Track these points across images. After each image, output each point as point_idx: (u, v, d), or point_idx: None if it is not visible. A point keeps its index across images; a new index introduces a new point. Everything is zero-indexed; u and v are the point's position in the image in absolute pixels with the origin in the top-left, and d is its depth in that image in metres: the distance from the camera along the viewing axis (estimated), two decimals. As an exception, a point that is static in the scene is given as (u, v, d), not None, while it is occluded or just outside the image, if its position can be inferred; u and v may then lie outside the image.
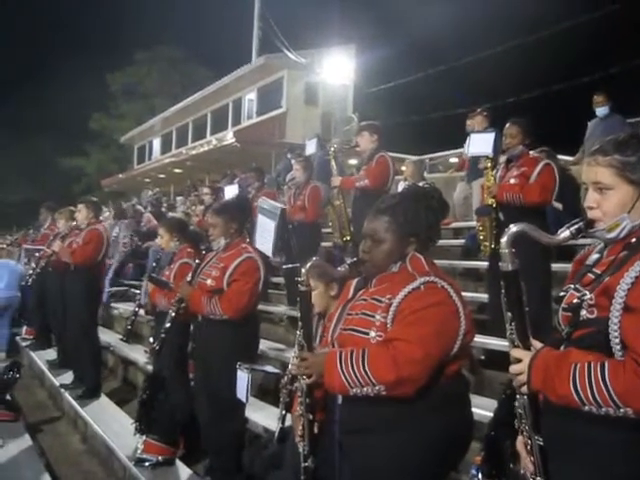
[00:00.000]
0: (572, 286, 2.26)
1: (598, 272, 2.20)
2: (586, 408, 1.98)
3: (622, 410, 1.91)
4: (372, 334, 2.68)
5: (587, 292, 2.13)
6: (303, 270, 3.00)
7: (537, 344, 2.20)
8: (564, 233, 2.20)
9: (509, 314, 2.19)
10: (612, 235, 2.18)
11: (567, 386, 1.99)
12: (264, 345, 6.35)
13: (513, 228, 2.18)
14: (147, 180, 31.95)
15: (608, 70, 18.77)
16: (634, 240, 2.14)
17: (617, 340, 1.98)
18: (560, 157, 9.19)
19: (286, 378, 3.50)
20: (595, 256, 2.31)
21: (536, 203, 5.52)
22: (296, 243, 7.23)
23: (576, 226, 2.20)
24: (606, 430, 2.01)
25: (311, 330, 3.07)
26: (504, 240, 2.18)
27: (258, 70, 24.07)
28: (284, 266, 8.43)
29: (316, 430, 3.04)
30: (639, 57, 18.43)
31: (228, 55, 30.63)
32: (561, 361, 2.05)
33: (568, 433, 2.12)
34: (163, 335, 5.15)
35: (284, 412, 3.56)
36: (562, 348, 2.16)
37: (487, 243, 5.84)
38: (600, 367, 1.95)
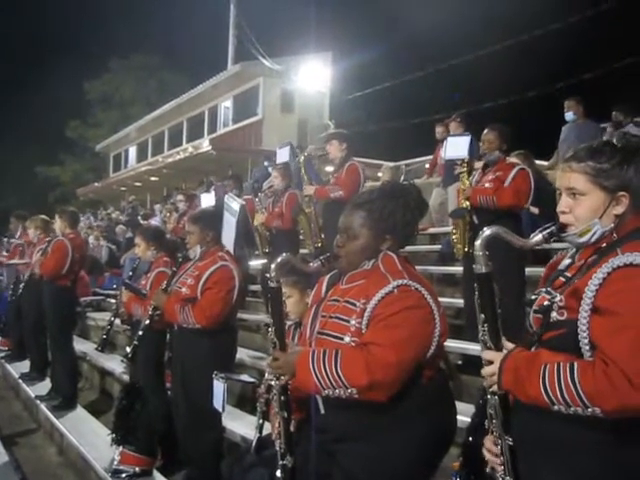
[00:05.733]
0: (543, 289, 2.29)
1: (569, 275, 2.24)
2: (555, 408, 2.00)
3: (590, 410, 1.93)
4: (347, 339, 2.67)
5: (557, 294, 2.17)
6: (273, 266, 2.92)
7: (509, 345, 2.22)
8: (537, 237, 2.24)
9: (482, 316, 2.21)
10: (583, 240, 2.22)
11: (537, 386, 2.02)
12: (242, 353, 6.33)
13: (487, 231, 2.20)
14: (123, 188, 31.86)
15: (582, 76, 18.95)
16: (604, 245, 2.19)
17: (586, 341, 2.02)
18: (536, 162, 9.24)
19: (262, 387, 3.48)
20: (567, 261, 2.35)
21: (509, 206, 5.56)
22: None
23: (548, 230, 2.24)
24: (578, 430, 2.04)
25: (283, 328, 3.02)
26: (478, 243, 2.19)
27: (234, 78, 24.10)
28: (252, 263, 8.54)
29: (292, 428, 3.02)
30: (613, 63, 18.68)
31: (204, 63, 30.63)
32: (531, 362, 2.08)
33: (540, 432, 2.15)
34: (136, 343, 5.13)
35: (261, 421, 3.53)
36: (533, 349, 2.19)
37: (460, 246, 5.87)
38: (569, 367, 1.97)
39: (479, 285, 2.21)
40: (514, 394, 2.13)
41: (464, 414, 3.20)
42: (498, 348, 2.19)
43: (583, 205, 2.21)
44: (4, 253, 11.24)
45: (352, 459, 2.72)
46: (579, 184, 2.21)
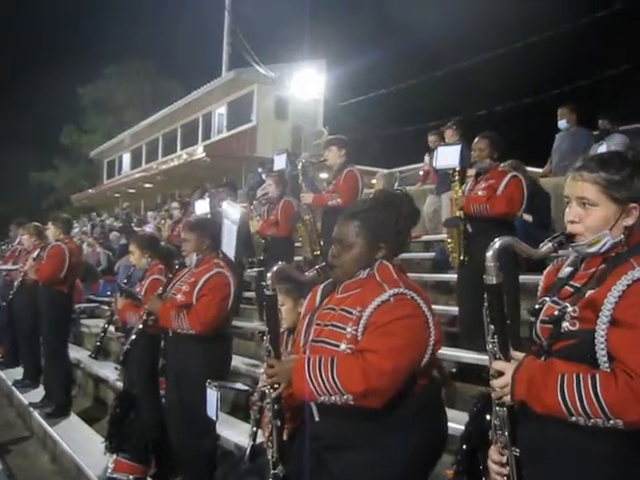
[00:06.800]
0: (548, 299, 2.28)
1: (577, 285, 2.23)
2: (573, 419, 2.00)
3: (612, 421, 1.93)
4: (342, 347, 2.67)
5: (568, 305, 2.15)
6: (269, 274, 2.94)
7: (517, 355, 2.22)
8: (546, 246, 2.23)
9: (492, 327, 2.19)
10: (593, 250, 2.22)
11: (554, 397, 2.01)
12: (236, 361, 6.32)
13: (499, 242, 2.19)
14: (117, 195, 31.89)
15: (578, 83, 18.99)
16: (613, 255, 2.18)
17: (604, 352, 2.02)
18: (530, 169, 9.26)
19: (256, 395, 3.48)
20: (568, 269, 2.34)
21: (503, 214, 5.58)
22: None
23: (557, 239, 2.23)
24: (590, 439, 2.03)
25: (278, 335, 3.04)
26: (489, 254, 2.17)
27: (228, 84, 24.10)
28: (249, 269, 8.55)
29: (285, 437, 3.02)
30: (609, 70, 18.75)
31: (198, 69, 30.69)
32: (546, 372, 2.07)
33: (548, 442, 2.14)
34: (128, 347, 5.13)
35: (255, 429, 3.53)
36: (542, 359, 2.18)
37: (455, 255, 5.87)
38: (591, 379, 1.97)
39: (489, 296, 2.19)
40: (529, 404, 2.11)
41: (458, 422, 3.21)
42: (507, 359, 2.18)
43: (594, 216, 2.20)
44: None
45: (343, 467, 2.72)
46: (590, 194, 2.20)
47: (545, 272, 2.51)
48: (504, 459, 2.20)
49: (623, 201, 2.17)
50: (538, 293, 2.48)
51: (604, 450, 2.03)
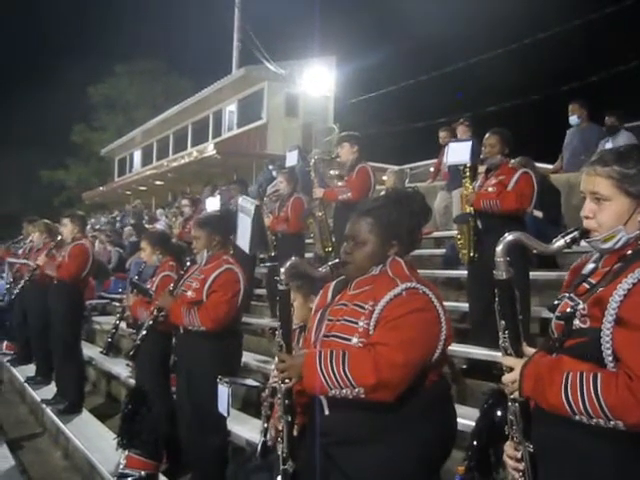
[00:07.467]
0: (566, 295, 2.24)
1: (593, 282, 2.19)
2: (577, 418, 1.98)
3: (612, 422, 1.91)
4: (354, 340, 2.68)
5: (580, 302, 2.13)
6: (282, 269, 2.95)
7: (529, 351, 2.20)
8: (559, 242, 2.18)
9: (502, 322, 2.17)
10: (607, 246, 2.17)
11: (558, 395, 1.99)
12: (247, 357, 6.34)
13: (509, 237, 2.17)
14: (128, 192, 31.96)
15: (588, 79, 18.92)
16: (629, 252, 2.14)
17: (609, 352, 1.98)
18: (541, 165, 9.23)
19: (267, 391, 3.49)
20: (591, 266, 2.30)
21: (513, 210, 5.57)
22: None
23: (571, 235, 2.18)
24: (598, 440, 2.00)
25: (290, 330, 3.03)
26: (499, 249, 2.15)
27: (238, 82, 24.11)
28: (262, 264, 8.58)
29: (295, 433, 3.03)
30: (618, 66, 18.67)
31: (208, 67, 30.74)
32: (553, 369, 2.05)
33: (558, 440, 2.12)
34: (138, 342, 5.15)
35: (266, 425, 3.53)
36: (553, 356, 2.15)
37: (465, 251, 5.87)
38: (593, 378, 1.95)
39: (499, 291, 2.18)
40: (535, 401, 2.11)
41: (469, 418, 3.23)
42: (518, 354, 2.17)
43: (607, 211, 2.15)
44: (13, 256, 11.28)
45: (353, 462, 2.72)
46: (603, 189, 2.15)
47: (571, 268, 2.47)
48: (519, 455, 2.19)
49: (637, 195, 2.12)
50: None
51: (608, 450, 2.01)
